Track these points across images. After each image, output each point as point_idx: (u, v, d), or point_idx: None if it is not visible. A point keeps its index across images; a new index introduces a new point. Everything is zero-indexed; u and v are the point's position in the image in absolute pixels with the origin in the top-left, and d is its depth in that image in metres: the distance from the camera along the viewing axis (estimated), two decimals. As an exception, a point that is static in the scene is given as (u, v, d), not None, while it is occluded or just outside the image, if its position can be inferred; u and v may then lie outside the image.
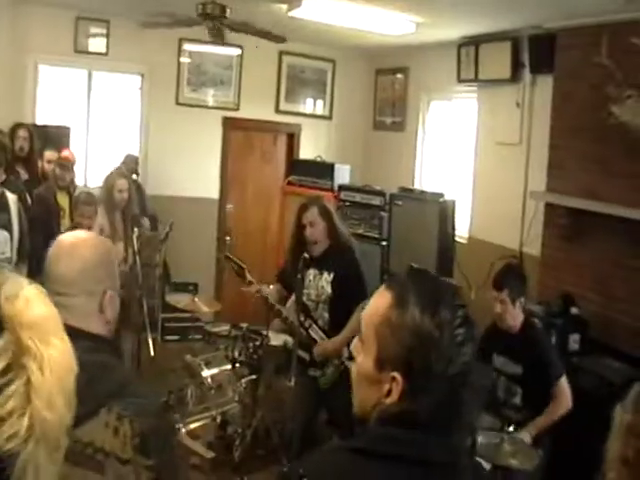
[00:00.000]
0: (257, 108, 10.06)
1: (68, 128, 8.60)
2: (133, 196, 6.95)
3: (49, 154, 7.63)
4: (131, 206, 6.88)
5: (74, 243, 2.34)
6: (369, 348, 1.65)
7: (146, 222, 7.22)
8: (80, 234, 2.49)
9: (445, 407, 1.60)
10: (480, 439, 4.39)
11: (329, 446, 1.72)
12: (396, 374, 1.59)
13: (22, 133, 7.40)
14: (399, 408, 1.60)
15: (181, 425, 6.10)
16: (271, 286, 6.10)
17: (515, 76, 7.59)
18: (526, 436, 4.66)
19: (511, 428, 4.41)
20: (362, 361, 1.68)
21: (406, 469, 1.57)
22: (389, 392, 1.61)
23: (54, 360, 1.15)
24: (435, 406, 1.59)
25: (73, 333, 2.04)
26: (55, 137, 8.20)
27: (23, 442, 1.09)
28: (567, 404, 4.93)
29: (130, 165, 8.30)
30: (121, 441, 2.05)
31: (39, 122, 8.57)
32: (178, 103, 9.59)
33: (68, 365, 1.20)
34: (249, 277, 5.66)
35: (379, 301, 1.66)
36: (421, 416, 1.59)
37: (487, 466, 4.49)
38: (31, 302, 1.17)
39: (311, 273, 5.67)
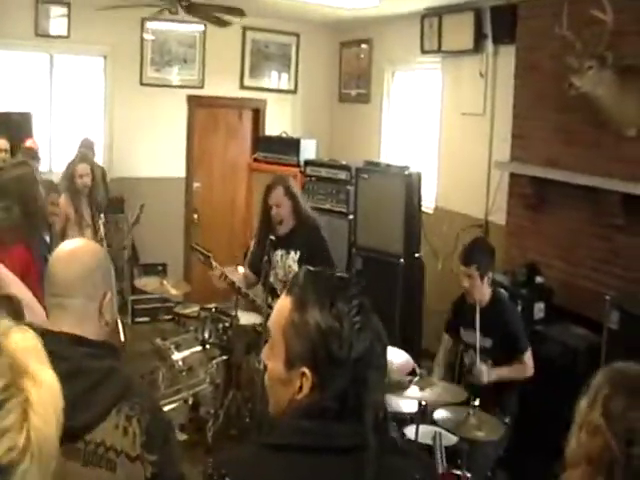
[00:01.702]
0: (222, 85, 10.01)
1: (29, 114, 8.46)
2: (98, 180, 6.89)
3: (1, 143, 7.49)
4: (96, 191, 6.83)
5: (73, 250, 2.41)
6: (278, 352, 1.75)
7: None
8: (78, 241, 2.57)
9: (352, 391, 1.70)
10: (447, 413, 4.49)
11: (249, 442, 1.81)
12: (305, 369, 1.70)
13: None
14: (309, 400, 1.71)
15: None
16: (240, 268, 6.14)
17: (478, 47, 7.63)
18: (484, 373, 4.79)
19: (477, 402, 4.47)
20: (273, 366, 1.78)
21: (311, 458, 1.67)
22: (300, 388, 1.71)
23: (48, 384, 1.24)
24: (342, 392, 1.69)
25: (72, 340, 2.18)
26: (17, 124, 8.07)
27: (20, 455, 1.15)
28: (529, 372, 5.05)
29: (87, 150, 8.04)
30: (130, 440, 2.17)
31: (0, 109, 8.45)
32: (142, 83, 9.50)
33: (57, 392, 1.27)
34: (215, 264, 5.69)
35: (281, 307, 1.79)
36: (329, 404, 1.69)
37: (454, 438, 4.60)
38: (25, 333, 1.28)
39: (278, 254, 5.74)
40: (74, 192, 6.61)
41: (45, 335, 1.39)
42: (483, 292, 5.15)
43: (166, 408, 6.16)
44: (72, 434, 1.99)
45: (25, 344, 1.25)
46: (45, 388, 1.22)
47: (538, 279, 6.30)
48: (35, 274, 3.97)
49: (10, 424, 1.15)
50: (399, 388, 4.58)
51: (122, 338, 6.15)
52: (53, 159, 8.96)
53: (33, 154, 7.28)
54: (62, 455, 1.81)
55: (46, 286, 2.35)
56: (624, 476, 1.71)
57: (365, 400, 1.70)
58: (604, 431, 1.73)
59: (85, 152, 7.49)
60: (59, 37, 8.85)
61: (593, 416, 1.78)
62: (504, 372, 5.01)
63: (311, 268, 1.86)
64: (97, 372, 2.15)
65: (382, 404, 1.78)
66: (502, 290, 5.68)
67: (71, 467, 2.04)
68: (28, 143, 7.54)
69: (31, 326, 1.35)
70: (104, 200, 7.15)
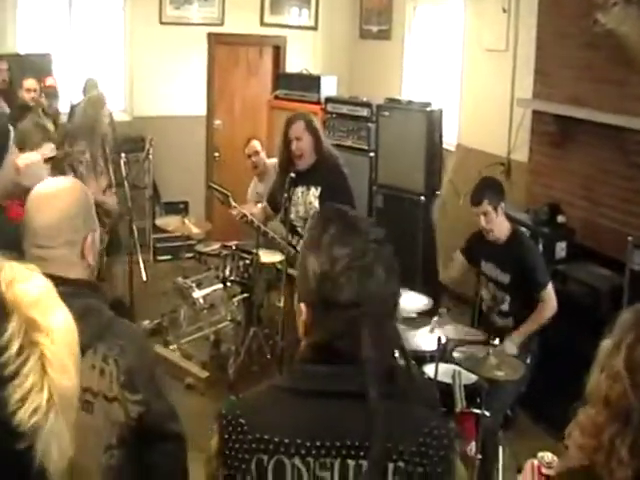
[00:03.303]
0: (242, 22, 9.88)
1: (49, 55, 8.42)
2: (113, 123, 6.88)
3: (29, 83, 7.47)
4: (110, 134, 6.81)
5: (49, 194, 2.27)
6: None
7: None
8: (56, 182, 2.41)
9: (347, 335, 1.69)
10: (466, 353, 4.51)
11: (266, 386, 1.83)
12: (302, 305, 1.76)
13: (1, 65, 7.31)
14: (309, 340, 1.75)
15: (175, 346, 6.21)
16: (259, 204, 6.14)
17: (501, -19, 7.47)
18: (511, 347, 4.74)
19: (496, 341, 4.48)
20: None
21: (319, 401, 1.70)
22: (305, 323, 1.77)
23: (60, 328, 1.21)
24: (337, 334, 1.70)
25: (52, 280, 2.12)
26: (37, 65, 8.03)
27: (44, 415, 1.13)
28: (552, 308, 5.00)
29: (92, 91, 7.82)
30: (108, 380, 2.15)
31: (20, 51, 8.40)
32: (162, 22, 9.40)
33: (71, 329, 1.26)
34: (233, 203, 5.69)
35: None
36: (324, 346, 1.71)
37: (474, 377, 4.62)
38: (28, 283, 1.22)
39: (299, 190, 5.68)
40: (95, 136, 6.44)
41: None
42: (501, 226, 5.12)
43: (187, 346, 6.29)
44: None
45: (31, 294, 1.20)
46: (59, 336, 1.19)
47: (560, 218, 6.27)
48: None
49: (30, 386, 1.12)
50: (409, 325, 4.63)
51: (144, 277, 6.19)
52: (74, 100, 8.90)
53: (53, 91, 7.28)
54: None
55: (24, 235, 2.24)
56: None
57: (361, 347, 1.67)
58: (624, 379, 1.72)
59: (102, 94, 7.42)
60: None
61: (615, 361, 1.75)
62: (528, 328, 4.97)
63: (331, 205, 1.87)
64: (74, 310, 2.05)
65: (386, 355, 1.76)
66: (522, 228, 5.67)
67: None
68: (49, 81, 7.55)
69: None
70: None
